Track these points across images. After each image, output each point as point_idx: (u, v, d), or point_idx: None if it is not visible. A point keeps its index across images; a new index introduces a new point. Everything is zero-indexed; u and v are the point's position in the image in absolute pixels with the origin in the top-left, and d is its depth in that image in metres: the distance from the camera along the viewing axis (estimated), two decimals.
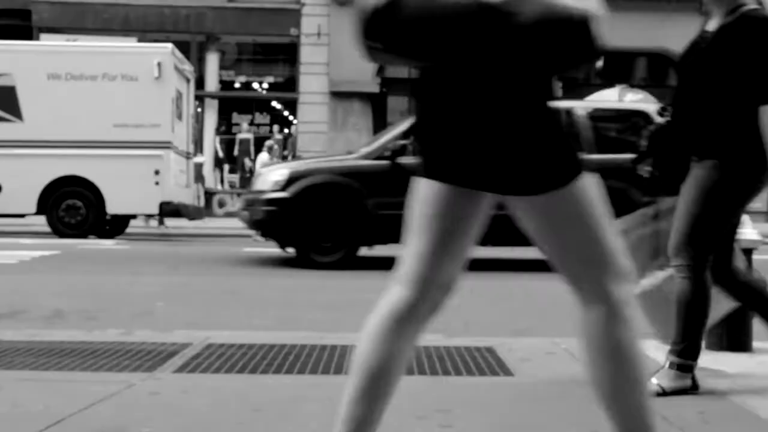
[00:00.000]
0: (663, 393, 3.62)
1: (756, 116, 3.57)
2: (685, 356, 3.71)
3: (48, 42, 18.42)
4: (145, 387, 3.72)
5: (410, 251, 2.12)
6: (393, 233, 10.88)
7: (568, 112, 10.42)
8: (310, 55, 23.75)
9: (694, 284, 3.66)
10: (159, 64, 15.14)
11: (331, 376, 4.01)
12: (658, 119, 3.88)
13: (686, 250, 3.66)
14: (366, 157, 10.42)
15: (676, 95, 3.79)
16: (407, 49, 1.93)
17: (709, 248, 3.69)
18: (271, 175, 10.48)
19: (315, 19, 23.75)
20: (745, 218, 4.80)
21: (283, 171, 10.43)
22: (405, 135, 10.41)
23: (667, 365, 3.73)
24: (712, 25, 3.75)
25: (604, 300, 2.09)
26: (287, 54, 24.57)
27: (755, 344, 4.80)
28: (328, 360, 4.34)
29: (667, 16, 24.69)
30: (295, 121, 24.19)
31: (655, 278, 3.82)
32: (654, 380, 3.65)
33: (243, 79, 25.10)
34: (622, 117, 11.54)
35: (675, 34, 26.03)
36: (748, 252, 4.76)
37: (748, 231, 4.76)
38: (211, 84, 24.36)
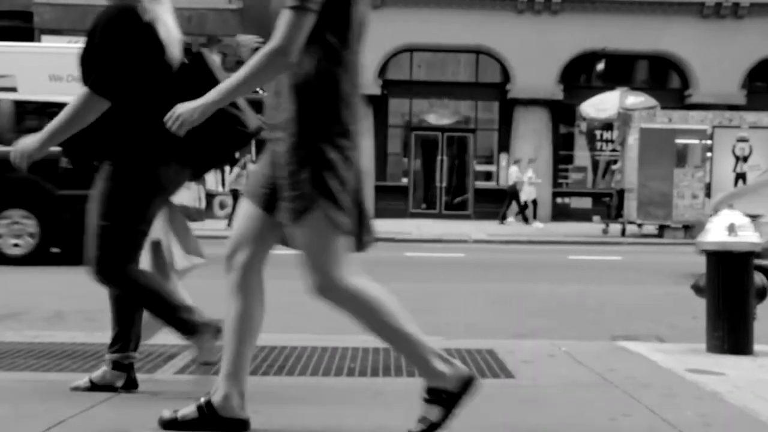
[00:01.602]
0: (92, 387, 3.64)
1: (133, 111, 3.50)
2: (118, 351, 3.72)
3: (50, 44, 18.43)
4: (147, 388, 3.72)
5: None
6: None
7: None
8: None
9: (117, 286, 3.71)
10: None
11: (331, 378, 4.01)
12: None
13: (96, 256, 3.61)
14: None
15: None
16: None
17: (126, 252, 3.63)
18: None
19: None
20: (745, 221, 4.79)
21: None
22: None
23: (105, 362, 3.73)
24: None
25: None
26: None
27: (756, 347, 4.80)
28: (329, 362, 4.34)
29: (668, 19, 24.70)
30: None
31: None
32: (88, 376, 3.70)
33: None
34: (46, 109, 10.46)
35: (676, 37, 26.03)
36: (747, 255, 4.75)
37: (749, 234, 4.75)
38: None
